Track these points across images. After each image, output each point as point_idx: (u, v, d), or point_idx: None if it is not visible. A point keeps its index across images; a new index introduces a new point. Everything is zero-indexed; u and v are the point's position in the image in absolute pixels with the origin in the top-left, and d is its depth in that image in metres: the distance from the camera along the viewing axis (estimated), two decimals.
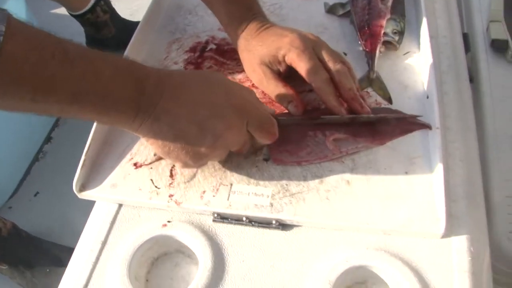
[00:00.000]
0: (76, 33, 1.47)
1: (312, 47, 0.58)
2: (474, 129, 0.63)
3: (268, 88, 0.61)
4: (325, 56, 0.58)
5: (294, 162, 0.57)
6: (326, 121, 0.59)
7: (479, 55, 0.79)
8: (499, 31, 0.78)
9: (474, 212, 0.55)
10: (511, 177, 0.65)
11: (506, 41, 0.77)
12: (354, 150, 0.57)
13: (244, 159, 0.58)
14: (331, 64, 0.57)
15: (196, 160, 0.51)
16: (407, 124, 0.59)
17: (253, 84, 0.65)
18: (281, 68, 0.60)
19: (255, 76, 0.63)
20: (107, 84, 0.45)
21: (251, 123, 0.52)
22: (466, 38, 0.79)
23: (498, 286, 0.63)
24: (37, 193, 1.19)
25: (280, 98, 0.60)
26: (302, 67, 0.57)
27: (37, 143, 1.29)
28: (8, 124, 1.21)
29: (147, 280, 0.55)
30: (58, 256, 1.04)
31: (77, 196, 0.59)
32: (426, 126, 0.58)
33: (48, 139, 1.32)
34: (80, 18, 1.39)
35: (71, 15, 1.39)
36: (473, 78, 0.78)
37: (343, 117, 0.58)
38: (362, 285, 0.52)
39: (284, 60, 0.59)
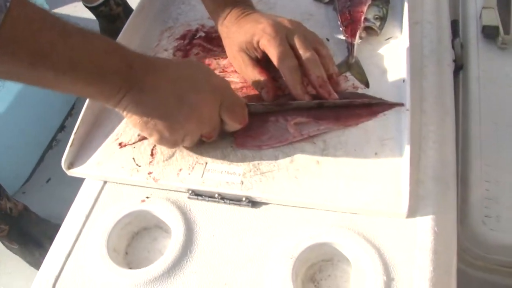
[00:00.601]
0: (91, 26, 1.53)
1: (286, 33, 0.60)
2: (452, 112, 0.63)
3: (246, 74, 0.63)
4: (297, 43, 0.59)
5: (255, 146, 0.59)
6: (294, 107, 0.60)
7: (470, 41, 0.79)
8: (491, 18, 0.78)
9: (443, 193, 0.56)
10: (491, 162, 0.65)
11: (497, 27, 0.76)
12: (316, 132, 0.58)
13: (221, 139, 0.60)
14: (301, 51, 0.59)
15: (172, 131, 0.53)
16: (374, 107, 0.60)
17: (235, 70, 0.67)
18: (258, 55, 0.62)
19: (236, 62, 0.65)
20: (100, 56, 0.48)
21: (224, 104, 0.55)
22: (454, 24, 0.79)
23: (474, 270, 0.64)
24: (49, 179, 1.25)
25: (255, 83, 0.62)
26: (271, 53, 0.59)
27: (51, 131, 1.36)
28: (24, 113, 1.27)
29: (126, 253, 0.58)
30: None
31: None
32: (392, 106, 0.59)
33: (61, 128, 1.38)
34: (94, 10, 1.44)
35: (86, 6, 1.45)
36: (463, 65, 0.78)
37: (309, 102, 0.60)
38: (328, 262, 0.54)
39: (258, 46, 0.61)
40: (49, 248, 1.07)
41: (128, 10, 1.50)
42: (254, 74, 0.62)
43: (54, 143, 1.33)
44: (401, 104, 0.60)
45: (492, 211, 0.62)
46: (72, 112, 1.40)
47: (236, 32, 0.63)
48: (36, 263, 1.09)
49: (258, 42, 0.60)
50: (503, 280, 0.63)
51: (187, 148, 0.60)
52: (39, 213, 1.13)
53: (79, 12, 1.53)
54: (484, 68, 0.75)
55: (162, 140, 0.55)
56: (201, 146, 0.60)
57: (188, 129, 0.54)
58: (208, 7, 0.69)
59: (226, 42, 0.66)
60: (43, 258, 1.07)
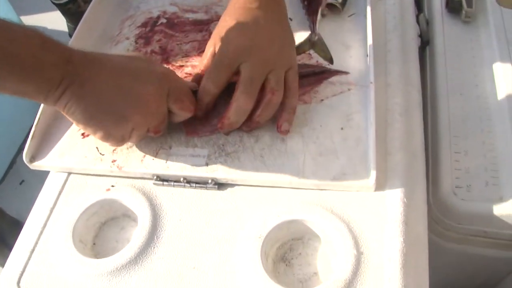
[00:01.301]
0: (58, 30, 1.51)
1: (241, 61, 0.55)
2: (418, 84, 0.63)
3: (202, 56, 0.60)
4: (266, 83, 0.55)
5: (208, 131, 0.57)
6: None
7: (435, 16, 0.78)
8: None
9: (411, 164, 0.55)
10: (460, 134, 0.65)
11: (460, 1, 0.76)
12: None
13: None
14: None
15: (118, 126, 0.51)
16: (318, 75, 0.60)
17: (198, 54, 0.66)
18: None
19: (207, 45, 0.61)
20: (37, 49, 0.46)
21: (172, 93, 0.53)
22: None
23: (446, 241, 0.64)
24: (23, 181, 1.22)
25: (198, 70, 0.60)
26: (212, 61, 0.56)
27: (23, 133, 1.33)
28: None
29: (94, 244, 0.57)
30: None
31: None
32: (335, 73, 0.60)
33: None
34: (62, 7, 1.42)
35: (54, 3, 1.42)
36: (429, 41, 0.78)
37: None
38: (299, 241, 0.53)
39: None
40: None
41: None
42: (200, 65, 0.59)
43: None
44: (346, 73, 0.61)
45: (462, 181, 0.61)
46: None
47: (223, 17, 0.59)
48: None
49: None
50: (474, 249, 0.63)
51: None
52: (13, 216, 1.11)
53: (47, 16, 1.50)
54: (449, 42, 0.75)
55: (108, 137, 0.52)
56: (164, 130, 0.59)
57: (136, 123, 0.52)
58: None
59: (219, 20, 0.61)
60: None
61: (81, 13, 1.42)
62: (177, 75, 0.56)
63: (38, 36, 0.47)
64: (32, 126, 1.38)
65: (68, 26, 1.50)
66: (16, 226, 1.08)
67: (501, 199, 0.60)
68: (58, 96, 0.48)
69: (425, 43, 0.77)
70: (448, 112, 0.68)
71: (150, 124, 0.54)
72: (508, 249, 0.62)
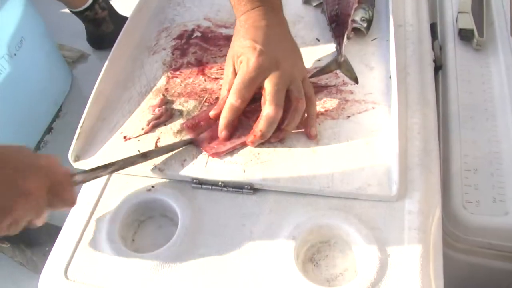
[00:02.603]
0: (77, 30, 1.55)
1: (264, 76, 0.60)
2: (434, 105, 0.69)
3: (223, 80, 0.65)
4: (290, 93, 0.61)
5: (230, 148, 0.62)
6: (129, 162, 0.60)
7: (448, 43, 0.85)
8: (466, 21, 0.84)
9: (428, 178, 0.61)
10: (469, 152, 0.71)
11: (472, 30, 0.83)
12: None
13: None
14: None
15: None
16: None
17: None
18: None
19: (226, 63, 0.66)
20: None
21: (52, 185, 0.53)
22: (433, 27, 0.85)
23: (457, 252, 0.69)
24: None
25: (221, 94, 0.65)
26: (236, 78, 0.61)
27: (39, 133, 1.36)
28: (11, 115, 1.27)
29: (133, 240, 0.61)
30: (56, 236, 1.10)
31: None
32: (325, 88, 0.68)
33: (49, 129, 1.38)
34: (79, 14, 1.46)
35: (71, 11, 1.46)
36: (442, 66, 0.84)
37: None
38: (326, 244, 0.58)
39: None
40: (39, 247, 1.07)
41: (113, 14, 1.52)
42: (225, 85, 0.64)
43: (42, 145, 1.34)
44: (333, 86, 0.68)
45: (472, 197, 0.67)
46: (59, 114, 1.40)
47: (236, 37, 0.64)
48: (27, 263, 1.09)
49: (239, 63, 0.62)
50: (480, 260, 0.68)
51: None
52: None
53: (67, 16, 1.54)
54: (461, 67, 0.81)
55: None
56: None
57: (17, 215, 0.50)
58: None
59: (232, 39, 0.66)
60: (35, 257, 1.08)
61: (98, 20, 1.48)
62: (58, 166, 0.55)
63: None
64: (48, 127, 1.41)
65: (86, 30, 1.54)
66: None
67: (506, 214, 0.66)
68: None
69: (438, 67, 0.83)
70: (459, 132, 0.73)
71: (31, 216, 0.53)
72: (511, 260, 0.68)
